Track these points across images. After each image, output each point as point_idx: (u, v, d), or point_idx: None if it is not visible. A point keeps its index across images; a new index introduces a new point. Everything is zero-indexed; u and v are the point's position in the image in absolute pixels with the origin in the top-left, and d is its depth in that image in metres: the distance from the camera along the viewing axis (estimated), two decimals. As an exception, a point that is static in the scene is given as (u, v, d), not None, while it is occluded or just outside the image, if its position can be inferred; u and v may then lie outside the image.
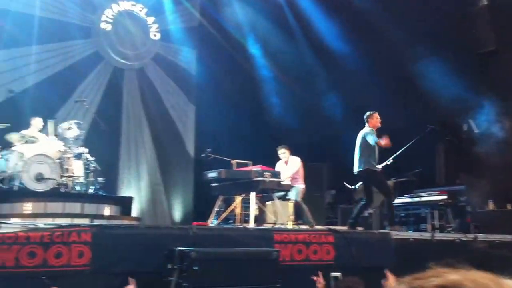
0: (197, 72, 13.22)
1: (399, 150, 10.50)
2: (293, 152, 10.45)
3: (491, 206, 12.33)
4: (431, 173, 14.01)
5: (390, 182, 13.87)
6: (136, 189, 12.11)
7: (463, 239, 9.23)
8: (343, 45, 14.35)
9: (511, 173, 12.11)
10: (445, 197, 11.87)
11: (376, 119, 9.51)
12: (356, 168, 9.57)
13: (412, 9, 13.56)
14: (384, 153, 10.09)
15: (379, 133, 9.55)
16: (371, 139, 9.29)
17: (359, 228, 9.88)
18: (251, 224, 8.57)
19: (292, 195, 9.89)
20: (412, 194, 12.63)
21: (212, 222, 9.10)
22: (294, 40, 14.97)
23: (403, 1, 13.60)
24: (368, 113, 9.62)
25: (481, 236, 9.54)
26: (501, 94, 12.37)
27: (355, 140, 9.80)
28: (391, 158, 10.22)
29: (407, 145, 10.49)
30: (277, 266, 6.79)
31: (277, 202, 9.45)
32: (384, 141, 9.13)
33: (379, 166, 9.79)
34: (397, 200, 12.86)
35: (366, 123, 9.54)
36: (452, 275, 0.88)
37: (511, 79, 12.46)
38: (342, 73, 14.32)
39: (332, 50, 14.53)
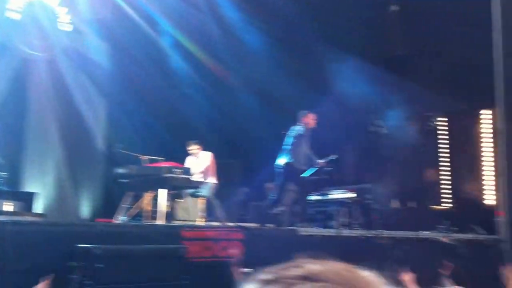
0: (110, 66, 12.96)
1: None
2: (205, 148, 10.45)
3: (395, 204, 12.78)
4: (341, 172, 14.36)
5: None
6: (42, 184, 11.77)
7: (368, 235, 9.52)
8: (259, 43, 14.48)
9: (415, 172, 12.62)
10: (353, 195, 12.22)
11: (310, 119, 9.68)
12: (279, 162, 9.69)
13: (326, 10, 13.84)
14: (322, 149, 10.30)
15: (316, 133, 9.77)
16: (301, 137, 9.46)
17: (269, 225, 10.01)
18: (160, 221, 8.51)
19: (203, 191, 9.90)
20: (322, 191, 12.92)
21: (121, 218, 8.98)
22: (208, 34, 14.94)
23: (319, 1, 13.87)
24: (303, 113, 9.80)
25: (384, 233, 9.87)
26: (409, 97, 12.82)
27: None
28: (334, 155, 10.50)
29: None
30: (184, 262, 6.80)
31: (188, 199, 9.45)
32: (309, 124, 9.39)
33: (322, 161, 9.92)
34: (307, 198, 13.13)
35: (298, 122, 9.72)
36: (315, 266, 0.89)
37: (419, 82, 12.93)
38: (256, 70, 14.43)
39: (247, 48, 14.61)
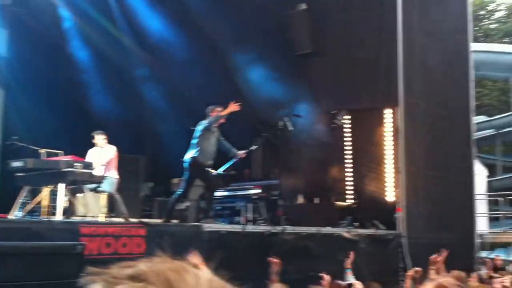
0: (8, 54, 12.40)
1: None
2: (109, 142, 10.17)
3: (300, 200, 12.95)
4: (248, 168, 14.41)
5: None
6: None
7: (273, 231, 9.57)
8: (167, 37, 14.30)
9: (319, 169, 12.82)
10: (259, 191, 12.29)
11: (218, 113, 9.57)
12: (186, 157, 9.54)
13: (236, 8, 13.85)
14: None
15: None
16: (206, 123, 9.32)
17: (174, 221, 9.88)
18: (59, 217, 8.20)
19: (105, 186, 9.62)
20: (228, 187, 12.91)
21: (16, 214, 8.59)
22: (115, 24, 14.60)
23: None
24: (210, 108, 9.68)
25: (289, 229, 9.96)
26: (316, 95, 13.00)
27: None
28: (256, 144, 10.45)
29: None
30: (82, 259, 6.56)
31: (88, 194, 9.16)
32: (229, 109, 9.23)
33: (242, 152, 9.96)
34: (214, 194, 13.08)
35: (208, 116, 9.60)
36: (144, 266, 0.92)
37: (326, 80, 13.14)
38: (164, 65, 14.25)
39: (155, 42, 14.41)
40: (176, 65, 14.20)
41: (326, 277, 6.76)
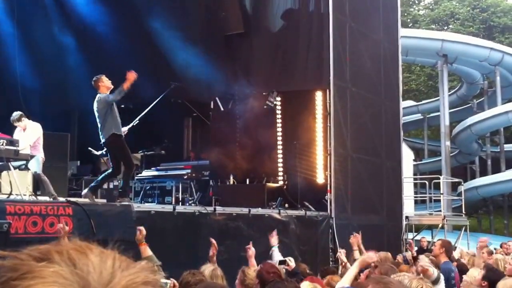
0: None
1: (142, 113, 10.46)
2: (35, 119, 9.84)
3: (231, 180, 12.97)
4: (179, 148, 14.33)
5: (138, 155, 13.93)
6: None
7: (203, 211, 9.54)
8: (97, 19, 13.97)
9: (251, 150, 12.85)
10: (189, 171, 12.23)
11: (105, 81, 8.97)
12: (102, 138, 9.17)
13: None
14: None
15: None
16: (108, 98, 8.84)
17: (101, 200, 9.68)
18: (-18, 195, 7.91)
19: (31, 165, 9.32)
20: (159, 167, 12.80)
21: None
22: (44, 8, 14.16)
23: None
24: (94, 78, 9.04)
25: (219, 209, 9.95)
26: (247, 76, 13.01)
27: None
28: (136, 119, 10.04)
29: (151, 105, 10.42)
30: (8, 238, 6.44)
31: (13, 172, 8.83)
32: (127, 80, 8.77)
33: (125, 129, 9.52)
34: (144, 173, 12.95)
35: (97, 90, 9.05)
36: (50, 247, 0.91)
37: (258, 61, 13.16)
38: (91, 42, 13.93)
39: (84, 23, 14.06)
40: (104, 47, 13.90)
41: (251, 249, 6.75)
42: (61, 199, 8.73)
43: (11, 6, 13.83)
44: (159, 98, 11.60)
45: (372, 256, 5.64)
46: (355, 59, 13.14)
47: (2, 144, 8.35)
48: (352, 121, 12.86)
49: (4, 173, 8.92)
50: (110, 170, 9.42)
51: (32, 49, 13.73)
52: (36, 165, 9.45)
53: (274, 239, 7.87)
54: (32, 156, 9.28)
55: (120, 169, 9.29)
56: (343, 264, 7.93)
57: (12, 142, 8.63)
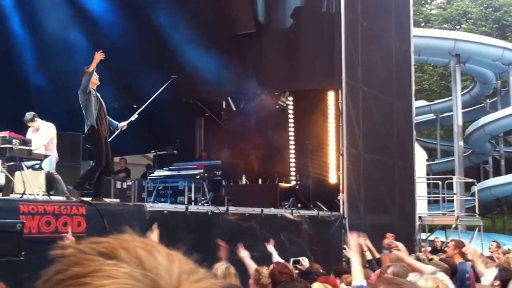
0: None
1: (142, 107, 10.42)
2: (48, 119, 9.88)
3: (244, 180, 12.97)
4: (191, 148, 14.36)
5: (150, 155, 14.00)
6: None
7: (215, 211, 9.55)
8: (110, 20, 14.04)
9: (263, 150, 12.84)
10: (201, 171, 12.25)
11: (94, 77, 8.78)
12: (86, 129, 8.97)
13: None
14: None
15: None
16: (81, 88, 8.73)
17: (114, 200, 9.73)
18: (-5, 195, 7.97)
19: (45, 165, 9.36)
20: (171, 167, 12.82)
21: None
22: (57, 7, 14.25)
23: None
24: (82, 71, 8.85)
25: (232, 209, 9.95)
26: (260, 76, 13.01)
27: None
28: (135, 113, 9.96)
29: (151, 99, 10.35)
30: (22, 238, 6.46)
31: (27, 171, 8.88)
32: (94, 60, 8.59)
33: (124, 124, 9.46)
34: (157, 173, 13.00)
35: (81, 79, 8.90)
36: (114, 242, 0.88)
37: (270, 61, 13.15)
38: (101, 41, 13.98)
39: (97, 24, 14.13)
40: (114, 46, 13.94)
41: (244, 251, 6.58)
42: (74, 199, 8.78)
43: (21, 4, 13.95)
44: (158, 92, 11.63)
45: (355, 237, 5.51)
46: (367, 58, 13.11)
47: (16, 144, 8.41)
48: (364, 121, 12.82)
49: (18, 173, 8.96)
50: (93, 165, 9.27)
51: (42, 48, 13.81)
52: (49, 165, 9.50)
53: (271, 247, 7.73)
54: (45, 156, 9.33)
55: (102, 163, 9.00)
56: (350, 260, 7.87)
57: (25, 142, 8.69)
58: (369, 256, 7.86)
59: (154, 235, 5.83)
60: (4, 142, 8.11)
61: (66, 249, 0.88)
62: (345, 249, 10.48)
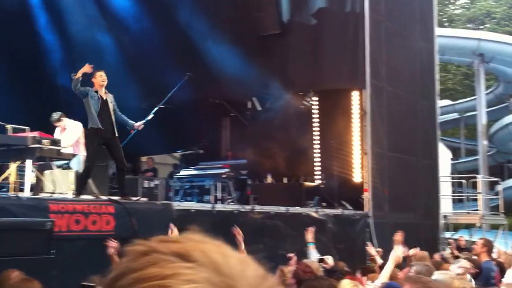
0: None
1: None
2: (76, 118, 10.05)
3: (269, 179, 13.06)
4: (217, 147, 14.49)
5: (177, 154, 14.15)
6: None
7: (241, 210, 9.65)
8: (136, 20, 14.22)
9: (288, 149, 12.92)
10: (227, 170, 12.36)
11: (97, 77, 8.82)
12: None
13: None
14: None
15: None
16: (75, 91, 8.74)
17: (142, 199, 9.84)
18: (26, 193, 8.11)
19: (73, 164, 9.52)
20: (197, 166, 12.95)
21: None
22: (83, 7, 14.44)
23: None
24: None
25: (257, 208, 10.04)
26: (284, 76, 13.09)
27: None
28: (151, 113, 9.97)
29: (166, 98, 10.28)
30: (51, 236, 6.57)
31: (56, 171, 9.05)
32: (81, 70, 8.65)
33: (140, 123, 9.41)
34: (183, 172, 13.14)
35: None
36: (188, 243, 0.87)
37: (294, 61, 13.22)
38: (129, 42, 14.18)
39: (123, 25, 14.31)
40: (141, 49, 14.14)
41: (294, 258, 6.84)
42: (103, 197, 8.91)
43: (48, 5, 14.18)
44: (174, 89, 11.75)
45: (401, 249, 5.71)
46: (391, 58, 13.11)
47: (45, 144, 8.58)
48: (388, 120, 12.83)
49: (47, 172, 9.13)
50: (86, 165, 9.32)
51: (69, 49, 14.02)
52: (77, 164, 9.65)
53: (310, 236, 7.90)
54: (74, 155, 9.49)
55: (87, 163, 8.97)
56: (372, 257, 7.95)
57: (55, 142, 8.84)
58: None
59: (174, 235, 5.94)
60: (34, 142, 8.25)
61: (139, 246, 0.87)
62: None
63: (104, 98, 8.84)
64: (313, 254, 7.68)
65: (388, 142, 12.80)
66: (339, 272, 6.74)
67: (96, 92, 8.79)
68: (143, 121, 9.65)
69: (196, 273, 0.82)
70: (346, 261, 8.50)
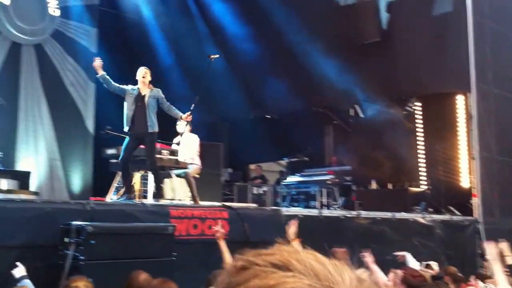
0: (98, 50, 13.19)
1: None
2: (193, 131, 10.66)
3: (373, 185, 13.15)
4: (321, 154, 14.78)
5: (283, 162, 14.60)
6: (34, 164, 12.07)
7: (348, 215, 9.84)
8: (242, 35, 14.80)
9: (392, 155, 12.97)
10: (332, 176, 12.62)
11: (137, 74, 8.79)
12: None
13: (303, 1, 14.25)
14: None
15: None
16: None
17: (252, 205, 10.28)
18: (149, 200, 8.79)
19: (189, 172, 10.13)
20: (303, 173, 13.31)
21: (112, 198, 9.25)
22: (193, 25, 15.31)
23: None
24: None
25: (363, 213, 10.20)
26: (386, 82, 13.17)
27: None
28: (193, 104, 9.69)
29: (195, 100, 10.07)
30: (173, 240, 6.98)
31: (175, 179, 9.71)
32: (95, 65, 8.68)
33: (187, 114, 9.18)
34: (289, 179, 13.57)
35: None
36: (286, 254, 0.89)
37: (396, 68, 13.27)
38: (237, 58, 14.74)
39: (231, 40, 14.94)
40: (246, 58, 14.67)
41: (370, 256, 6.64)
42: (216, 203, 9.43)
43: (163, 24, 15.12)
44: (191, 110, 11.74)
45: (493, 245, 5.52)
46: (496, 60, 12.86)
47: (165, 155, 9.28)
48: (497, 123, 12.56)
49: (166, 180, 9.79)
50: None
51: (186, 66, 14.83)
52: (192, 172, 10.25)
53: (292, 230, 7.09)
54: (190, 164, 10.11)
55: (120, 159, 8.74)
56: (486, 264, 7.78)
57: (173, 152, 9.55)
58: (510, 261, 7.80)
59: (292, 229, 6.14)
60: (156, 153, 8.95)
61: (237, 262, 0.90)
62: (482, 257, 10.35)
63: (143, 94, 8.71)
64: (412, 261, 7.72)
65: (497, 146, 12.54)
66: (447, 277, 6.70)
67: (138, 88, 8.76)
68: (188, 112, 9.31)
69: (299, 280, 0.83)
70: (456, 268, 8.48)
